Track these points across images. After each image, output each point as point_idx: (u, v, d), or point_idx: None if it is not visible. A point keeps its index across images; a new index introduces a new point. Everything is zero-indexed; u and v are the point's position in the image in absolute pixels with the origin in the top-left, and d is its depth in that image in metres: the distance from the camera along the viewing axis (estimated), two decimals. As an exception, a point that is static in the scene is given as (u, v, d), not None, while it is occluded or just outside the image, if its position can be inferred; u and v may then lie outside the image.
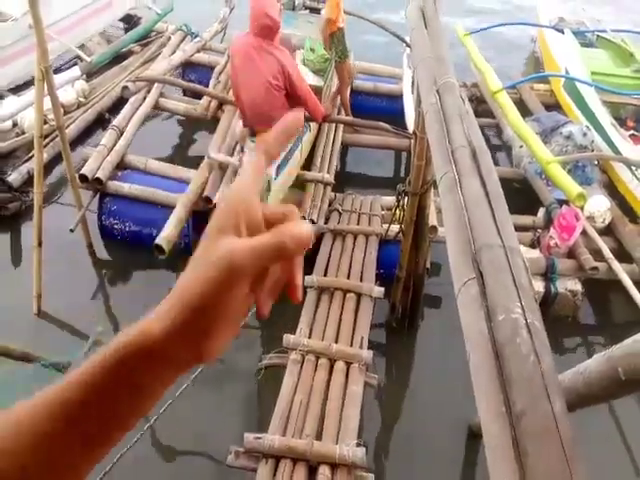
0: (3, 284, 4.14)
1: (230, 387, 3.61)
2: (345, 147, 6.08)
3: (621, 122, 6.26)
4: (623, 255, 4.77)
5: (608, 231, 5.01)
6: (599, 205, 4.95)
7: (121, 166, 4.72)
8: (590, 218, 4.90)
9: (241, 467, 2.80)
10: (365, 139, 6.03)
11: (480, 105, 7.02)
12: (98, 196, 4.46)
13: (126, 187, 4.47)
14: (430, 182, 3.64)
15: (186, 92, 6.25)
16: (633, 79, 6.76)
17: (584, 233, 4.75)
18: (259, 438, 2.85)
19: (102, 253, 4.52)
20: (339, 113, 6.14)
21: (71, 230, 4.12)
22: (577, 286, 4.50)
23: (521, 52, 8.85)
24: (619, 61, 7.14)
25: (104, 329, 3.41)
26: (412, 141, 4.14)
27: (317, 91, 5.49)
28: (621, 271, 4.42)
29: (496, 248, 1.78)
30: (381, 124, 5.53)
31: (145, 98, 5.51)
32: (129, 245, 4.49)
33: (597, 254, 4.65)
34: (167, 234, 4.03)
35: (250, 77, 4.07)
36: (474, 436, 3.42)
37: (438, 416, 3.58)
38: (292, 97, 4.14)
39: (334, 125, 5.84)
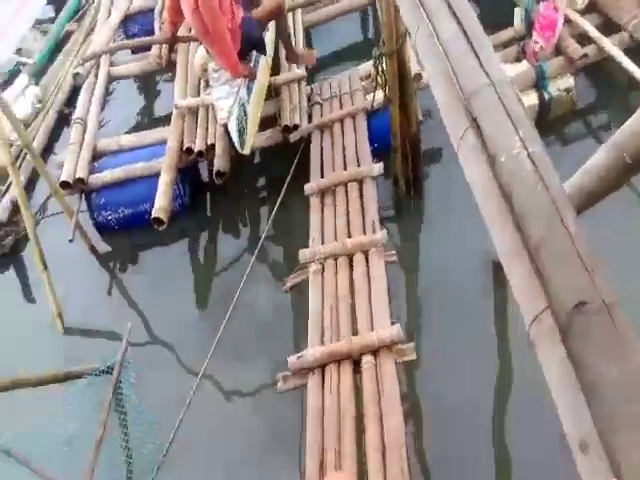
0: (24, 314, 4.31)
1: (260, 317, 3.78)
2: (307, 30, 5.73)
3: None
4: (610, 26, 4.49)
5: (591, 7, 4.64)
6: (577, -18, 4.53)
7: (96, 156, 4.71)
8: (571, 1, 4.50)
9: (291, 389, 2.98)
10: (325, 12, 5.69)
11: None
12: (84, 195, 4.51)
13: (108, 175, 4.48)
14: (404, 34, 3.44)
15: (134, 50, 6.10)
16: None
17: (567, 22, 4.43)
18: (301, 356, 3.00)
19: (105, 249, 4.58)
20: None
21: (70, 240, 4.19)
22: (569, 82, 4.32)
23: None
24: None
25: (133, 324, 3.58)
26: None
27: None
28: (610, 46, 4.23)
29: (484, 88, 1.75)
30: None
31: (97, 75, 5.41)
32: (128, 230, 4.53)
33: (584, 38, 4.40)
34: (161, 204, 4.05)
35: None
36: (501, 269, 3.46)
37: (463, 264, 3.63)
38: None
39: (290, 12, 5.47)
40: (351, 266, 3.49)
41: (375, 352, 3.01)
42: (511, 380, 3.25)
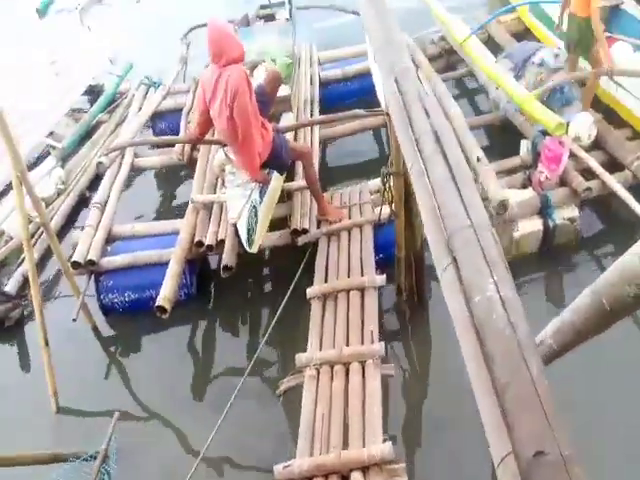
0: (20, 388, 4.28)
1: (252, 419, 3.71)
2: (324, 143, 6.07)
3: (593, 28, 5.99)
4: (615, 164, 4.70)
5: (596, 145, 4.91)
6: (583, 123, 4.84)
7: (110, 240, 4.86)
8: (576, 138, 4.79)
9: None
10: (341, 129, 5.99)
11: (451, 56, 6.91)
12: (93, 276, 4.59)
13: (118, 259, 4.60)
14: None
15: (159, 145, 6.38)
16: None
17: (573, 156, 4.67)
18: (288, 466, 2.91)
19: (107, 331, 4.62)
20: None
21: (74, 320, 4.23)
22: (574, 212, 4.47)
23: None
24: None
25: (121, 412, 3.55)
26: (386, 120, 4.09)
27: (286, 100, 5.54)
28: (614, 182, 4.40)
29: (465, 230, 1.86)
30: (355, 112, 5.44)
31: (121, 164, 5.68)
32: (132, 314, 4.58)
33: (589, 172, 4.60)
34: (166, 293, 4.10)
35: (215, 109, 4.11)
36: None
37: (463, 384, 3.55)
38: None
39: (309, 127, 5.82)
40: (347, 375, 3.45)
41: (365, 469, 2.91)
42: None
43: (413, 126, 2.42)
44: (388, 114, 3.54)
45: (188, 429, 3.76)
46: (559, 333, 1.85)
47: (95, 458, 3.32)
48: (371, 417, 3.14)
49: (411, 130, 2.42)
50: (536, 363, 1.39)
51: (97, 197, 5.22)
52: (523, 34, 6.72)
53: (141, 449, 3.69)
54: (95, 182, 5.76)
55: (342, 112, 5.44)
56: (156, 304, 4.07)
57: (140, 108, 6.57)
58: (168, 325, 4.42)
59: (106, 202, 5.17)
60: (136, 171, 5.91)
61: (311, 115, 5.97)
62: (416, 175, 2.25)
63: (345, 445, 3.02)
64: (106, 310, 4.64)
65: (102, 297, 4.57)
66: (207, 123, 4.38)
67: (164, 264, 4.42)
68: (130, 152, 5.82)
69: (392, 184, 3.94)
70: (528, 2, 6.57)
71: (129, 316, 4.60)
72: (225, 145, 4.51)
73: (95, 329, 4.58)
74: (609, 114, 5.23)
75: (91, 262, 4.54)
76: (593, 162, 4.62)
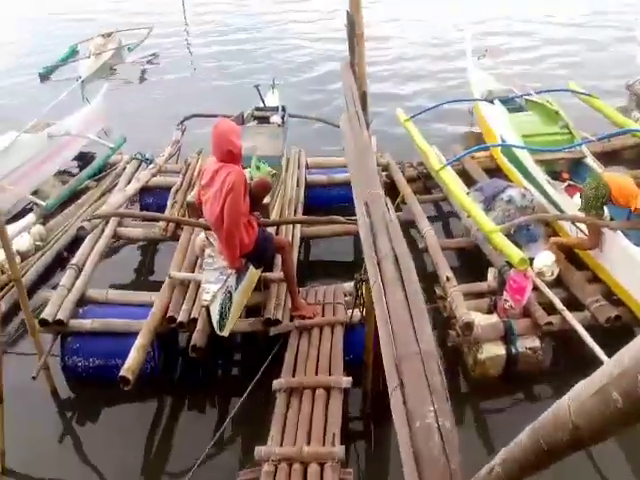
0: None
1: None
2: (304, 240, 6.29)
3: (557, 175, 6.61)
4: (575, 303, 4.95)
5: (558, 282, 5.20)
6: (545, 260, 5.17)
7: (82, 303, 4.81)
8: (540, 273, 5.10)
9: None
10: (323, 230, 6.25)
11: (428, 180, 7.42)
12: (60, 337, 4.50)
13: (87, 323, 4.53)
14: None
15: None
16: (561, 135, 7.14)
17: (536, 289, 4.94)
18: None
19: (67, 395, 4.46)
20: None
21: (33, 378, 4.11)
22: (535, 342, 4.64)
23: (463, 120, 9.35)
24: (547, 120, 7.51)
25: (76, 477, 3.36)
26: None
27: (264, 207, 5.77)
28: (573, 320, 4.58)
29: (413, 356, 1.92)
30: (334, 217, 5.76)
31: (103, 230, 5.73)
32: (94, 380, 4.46)
33: (551, 306, 4.83)
34: (130, 364, 4.04)
35: (207, 197, 4.31)
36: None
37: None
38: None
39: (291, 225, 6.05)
40: (305, 475, 3.39)
41: None
42: None
43: (377, 247, 2.61)
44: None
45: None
46: (505, 463, 1.90)
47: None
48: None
49: (374, 252, 2.61)
50: None
51: (75, 259, 5.22)
52: (494, 171, 7.27)
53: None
54: (74, 245, 5.76)
55: (323, 216, 5.77)
56: (120, 374, 3.98)
57: (129, 181, 6.73)
58: (129, 397, 4.29)
59: (83, 265, 5.16)
60: (118, 239, 5.95)
61: (294, 214, 6.24)
62: (376, 296, 2.38)
63: None
64: (68, 373, 4.52)
65: (66, 359, 4.46)
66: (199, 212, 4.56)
67: (134, 334, 4.36)
68: (114, 221, 5.89)
69: (364, 291, 4.12)
70: (500, 145, 7.24)
71: (91, 382, 4.47)
72: (208, 229, 4.67)
73: (54, 392, 4.42)
74: (572, 255, 5.56)
75: (59, 322, 4.46)
76: (555, 298, 4.86)
